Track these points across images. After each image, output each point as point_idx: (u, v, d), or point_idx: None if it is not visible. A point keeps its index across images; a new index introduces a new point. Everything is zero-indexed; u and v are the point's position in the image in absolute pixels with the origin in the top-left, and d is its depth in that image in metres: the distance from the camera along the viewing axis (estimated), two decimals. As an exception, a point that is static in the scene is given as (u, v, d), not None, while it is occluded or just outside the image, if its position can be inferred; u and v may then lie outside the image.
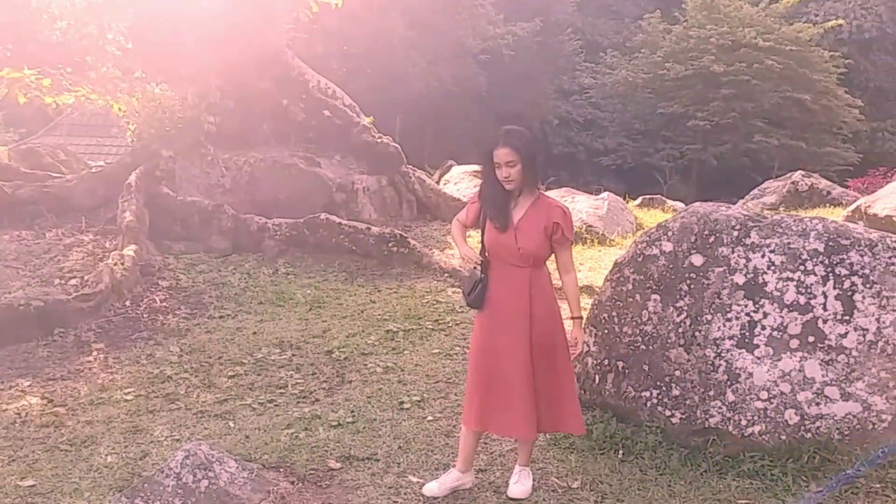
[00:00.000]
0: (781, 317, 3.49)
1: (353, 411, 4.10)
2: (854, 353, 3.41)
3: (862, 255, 3.50)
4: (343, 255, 7.01)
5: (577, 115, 29.97)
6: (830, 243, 3.54)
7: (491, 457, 3.65)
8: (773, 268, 3.55)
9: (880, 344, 3.41)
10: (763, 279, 3.55)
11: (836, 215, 8.05)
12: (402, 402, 4.21)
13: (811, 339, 3.45)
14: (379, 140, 8.93)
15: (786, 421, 3.40)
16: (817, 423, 3.38)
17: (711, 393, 3.52)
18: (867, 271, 3.48)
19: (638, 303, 3.77)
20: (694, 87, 26.52)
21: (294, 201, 7.85)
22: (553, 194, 7.43)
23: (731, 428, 3.47)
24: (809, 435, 3.38)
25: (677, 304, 3.66)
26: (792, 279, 3.52)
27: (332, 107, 8.85)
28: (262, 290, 6.23)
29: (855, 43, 28.36)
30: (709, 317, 3.59)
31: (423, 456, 3.61)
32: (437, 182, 10.28)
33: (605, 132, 29.87)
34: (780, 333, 3.48)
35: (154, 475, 3.07)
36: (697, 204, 3.96)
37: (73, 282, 5.86)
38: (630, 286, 3.83)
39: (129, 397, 4.34)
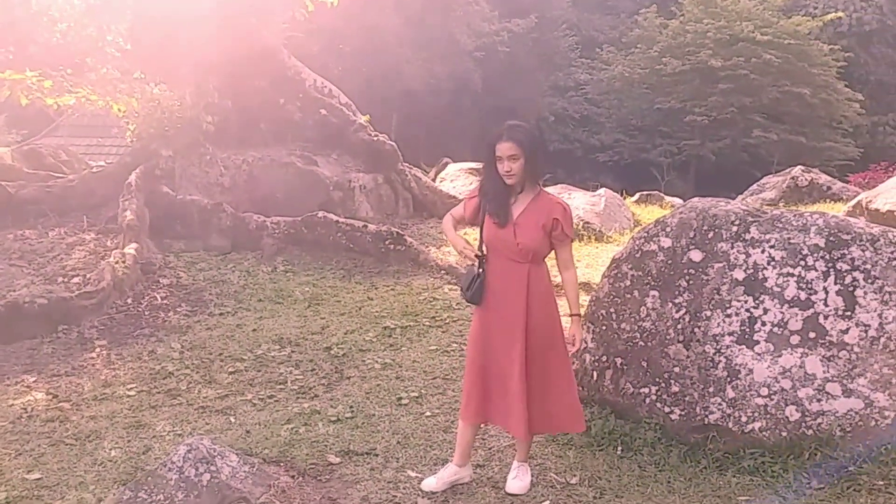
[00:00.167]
0: (782, 312, 3.48)
1: (351, 407, 4.13)
2: (856, 349, 3.40)
3: (864, 250, 3.48)
4: (340, 253, 7.04)
5: (573, 112, 29.95)
6: (831, 238, 3.52)
7: (489, 452, 3.66)
8: (773, 263, 3.54)
9: (883, 340, 3.39)
10: (763, 275, 3.54)
11: (837, 210, 8.01)
12: (400, 398, 4.23)
13: (812, 335, 3.44)
14: (375, 138, 8.94)
15: (786, 417, 3.40)
16: (818, 420, 3.37)
17: (711, 389, 3.51)
18: (869, 266, 3.46)
19: (636, 299, 3.77)
20: (691, 82, 26.50)
21: (292, 199, 7.88)
22: (549, 191, 7.43)
23: (731, 424, 3.46)
24: (811, 431, 3.37)
25: (676, 301, 3.65)
26: (792, 275, 3.51)
27: (328, 105, 8.85)
28: (262, 288, 6.27)
29: (855, 36, 28.26)
30: (708, 313, 3.58)
31: (421, 451, 3.64)
32: (433, 179, 10.28)
33: (601, 128, 29.85)
34: (781, 329, 3.47)
35: (157, 469, 3.11)
36: (696, 199, 3.94)
37: (75, 280, 5.91)
38: (628, 282, 3.82)
39: (131, 393, 4.38)
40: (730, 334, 3.53)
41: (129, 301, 5.75)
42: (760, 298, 3.52)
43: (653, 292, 3.72)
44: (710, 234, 3.67)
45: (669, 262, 3.71)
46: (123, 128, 8.25)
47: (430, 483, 3.29)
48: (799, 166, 11.26)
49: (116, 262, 5.94)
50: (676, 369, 3.60)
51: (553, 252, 3.23)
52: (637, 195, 11.22)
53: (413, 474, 3.41)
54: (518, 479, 3.32)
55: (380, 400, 4.23)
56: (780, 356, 3.45)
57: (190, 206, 7.30)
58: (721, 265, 3.61)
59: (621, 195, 10.28)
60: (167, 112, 7.47)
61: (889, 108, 28.74)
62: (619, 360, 3.78)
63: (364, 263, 6.92)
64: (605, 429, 3.68)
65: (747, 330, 3.51)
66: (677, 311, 3.64)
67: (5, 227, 6.88)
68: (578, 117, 30.07)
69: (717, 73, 25.57)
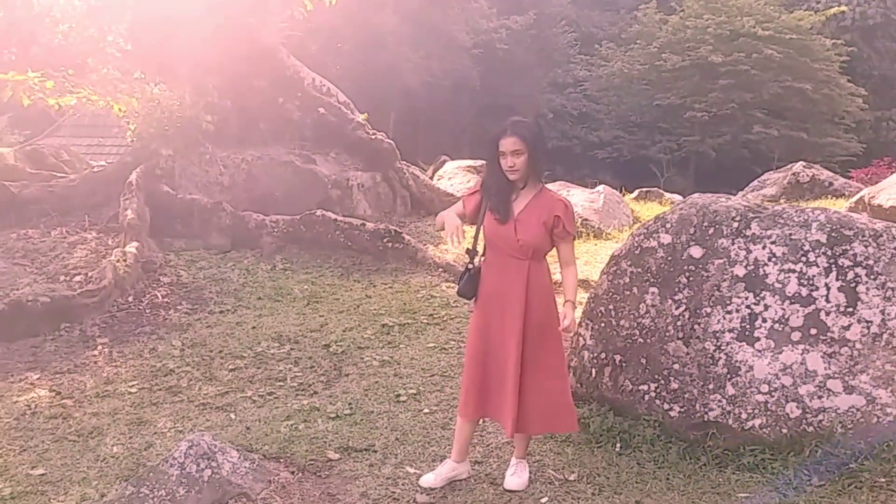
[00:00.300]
0: (783, 309, 3.46)
1: (350, 404, 4.14)
2: (858, 345, 3.38)
3: (866, 246, 3.46)
4: (339, 251, 7.06)
5: (571, 109, 29.92)
6: (833, 234, 3.50)
7: (487, 449, 3.66)
8: (774, 259, 3.53)
9: (885, 336, 3.37)
10: (764, 271, 3.53)
11: (839, 206, 7.94)
12: (398, 395, 4.25)
13: (813, 331, 3.43)
14: (373, 136, 8.94)
15: (787, 414, 3.38)
16: (819, 417, 3.36)
17: (711, 386, 3.50)
18: (871, 262, 3.44)
19: (635, 296, 3.76)
20: (691, 77, 26.46)
21: (290, 198, 7.89)
22: (550, 188, 7.43)
23: (730, 421, 3.45)
24: (811, 428, 3.35)
25: (676, 297, 3.64)
26: (794, 271, 3.49)
27: (326, 104, 8.85)
28: (261, 286, 6.29)
29: (858, 30, 28.11)
30: (708, 309, 3.57)
31: (419, 448, 3.65)
32: (431, 177, 10.28)
33: (600, 125, 29.82)
34: (782, 326, 3.45)
35: (159, 465, 3.14)
36: (696, 195, 3.93)
37: (77, 278, 5.96)
38: (627, 279, 3.81)
39: (133, 390, 4.42)
40: (730, 331, 3.52)
41: (131, 299, 5.80)
42: (761, 295, 3.51)
43: (652, 289, 3.71)
44: (711, 230, 3.66)
45: (669, 258, 3.70)
46: (124, 128, 8.28)
47: (429, 479, 3.29)
48: (800, 162, 11.16)
49: (118, 261, 5.99)
50: (676, 366, 3.59)
51: (554, 249, 3.22)
52: (636, 192, 11.21)
53: (412, 470, 3.42)
54: (516, 476, 3.32)
55: (378, 397, 4.24)
56: (780, 353, 3.44)
57: (190, 205, 7.33)
58: (721, 261, 3.60)
59: (620, 192, 10.27)
60: (167, 112, 7.50)
61: (893, 102, 28.58)
62: (618, 357, 3.77)
63: (362, 261, 6.94)
64: (604, 426, 3.67)
65: (748, 326, 3.50)
66: (677, 308, 3.63)
67: (9, 227, 6.95)
68: (577, 114, 30.05)
69: (717, 69, 25.52)
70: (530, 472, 3.36)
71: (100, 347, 5.05)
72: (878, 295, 3.40)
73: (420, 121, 25.95)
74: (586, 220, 8.27)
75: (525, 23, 27.55)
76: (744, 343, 3.49)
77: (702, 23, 25.88)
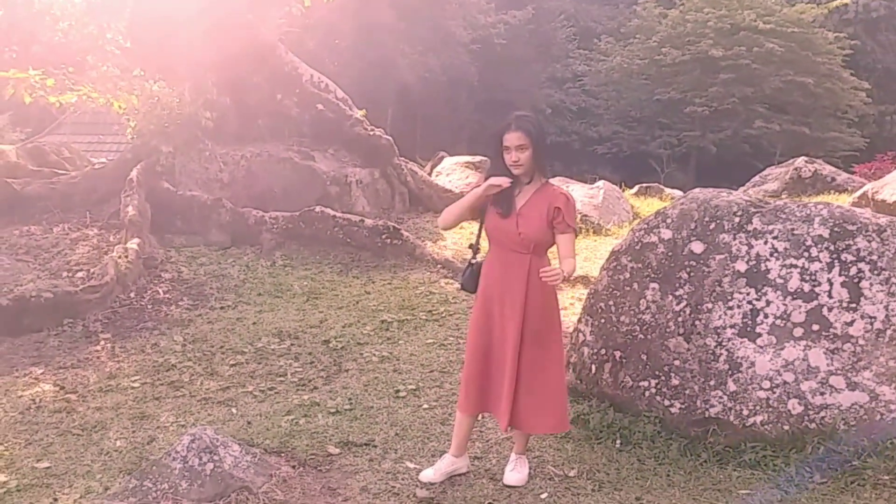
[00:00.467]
0: (785, 305, 3.44)
1: (350, 399, 4.15)
2: (861, 341, 3.36)
3: (869, 241, 3.43)
4: (338, 247, 7.07)
5: (570, 104, 29.86)
6: (836, 229, 3.48)
7: (487, 444, 3.66)
8: (776, 254, 3.51)
9: (889, 332, 3.34)
10: (766, 266, 3.50)
11: (842, 202, 7.88)
12: (398, 391, 4.26)
13: (816, 327, 3.40)
14: (371, 133, 8.92)
15: (789, 411, 3.37)
16: (822, 413, 3.34)
17: (712, 382, 3.49)
18: (875, 257, 3.41)
19: (636, 291, 3.74)
20: (691, 72, 26.39)
21: (289, 195, 7.90)
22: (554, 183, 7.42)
23: (732, 418, 3.43)
24: (813, 425, 3.33)
25: (676, 293, 3.63)
26: (796, 266, 3.47)
27: (325, 100, 8.83)
28: (261, 282, 6.31)
29: (861, 23, 27.98)
30: (709, 305, 3.55)
31: (419, 443, 3.66)
32: (429, 173, 10.27)
33: (599, 120, 29.74)
34: (784, 322, 3.43)
35: (162, 458, 3.17)
36: (697, 190, 3.90)
37: (80, 274, 6.01)
38: (627, 275, 3.79)
39: (135, 385, 4.45)
40: (731, 327, 3.50)
41: (132, 295, 5.84)
42: (763, 290, 3.49)
43: (653, 284, 3.69)
44: (712, 225, 3.64)
45: (670, 253, 3.68)
46: (124, 125, 8.29)
47: (428, 474, 3.30)
48: (802, 157, 11.07)
49: (119, 257, 6.03)
50: (677, 362, 3.58)
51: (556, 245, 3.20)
52: (636, 187, 11.18)
53: (411, 465, 3.42)
54: (516, 472, 3.31)
55: (378, 392, 4.25)
56: (782, 349, 3.42)
57: (190, 202, 7.36)
58: (723, 257, 3.58)
59: (620, 188, 10.25)
60: (167, 109, 7.53)
61: (897, 96, 28.45)
62: (618, 354, 3.76)
63: (361, 258, 6.96)
64: (604, 422, 3.67)
65: (749, 322, 3.48)
66: (678, 304, 3.61)
67: (11, 224, 7.00)
68: (576, 109, 29.99)
69: (717, 63, 25.45)
70: (530, 468, 3.36)
71: (102, 343, 5.08)
72: (881, 290, 3.37)
73: (418, 117, 25.93)
74: (586, 216, 8.25)
75: (523, 17, 27.49)
76: (745, 339, 3.47)
77: (702, 16, 25.81)
